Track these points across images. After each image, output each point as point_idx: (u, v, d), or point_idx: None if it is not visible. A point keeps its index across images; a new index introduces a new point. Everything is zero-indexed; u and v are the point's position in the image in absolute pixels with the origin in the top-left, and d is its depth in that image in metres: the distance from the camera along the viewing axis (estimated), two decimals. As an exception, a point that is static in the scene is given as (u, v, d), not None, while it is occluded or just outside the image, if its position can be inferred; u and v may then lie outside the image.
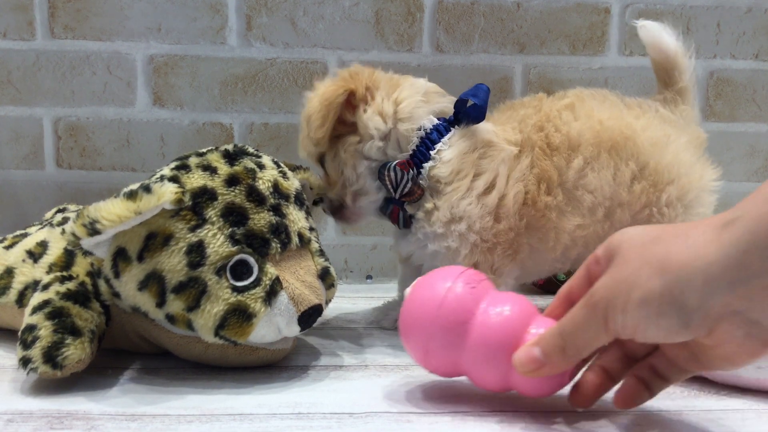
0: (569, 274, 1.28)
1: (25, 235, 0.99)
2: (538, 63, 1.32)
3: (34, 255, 0.93)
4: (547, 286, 1.31)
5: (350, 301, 1.19)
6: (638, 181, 0.97)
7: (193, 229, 0.80)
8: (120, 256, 0.81)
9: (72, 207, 1.14)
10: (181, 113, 1.30)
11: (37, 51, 1.28)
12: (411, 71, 1.28)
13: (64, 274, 0.88)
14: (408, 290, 0.77)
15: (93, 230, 0.76)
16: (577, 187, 0.96)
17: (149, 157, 1.31)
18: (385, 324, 1.05)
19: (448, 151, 0.94)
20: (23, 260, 0.93)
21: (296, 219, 0.87)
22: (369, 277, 1.37)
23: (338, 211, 1.02)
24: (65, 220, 0.98)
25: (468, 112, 0.95)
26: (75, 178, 1.31)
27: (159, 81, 1.29)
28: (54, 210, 1.14)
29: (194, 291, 0.80)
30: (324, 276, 0.90)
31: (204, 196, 0.82)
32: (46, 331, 0.78)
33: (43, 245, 0.93)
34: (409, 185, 0.95)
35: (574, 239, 0.98)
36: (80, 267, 0.89)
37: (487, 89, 0.96)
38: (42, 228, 0.99)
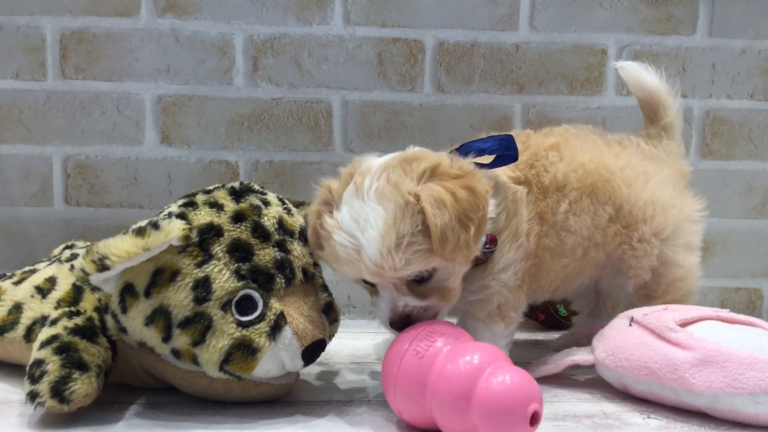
0: (568, 307, 1.29)
1: (33, 271, 1.01)
2: (537, 102, 1.35)
3: (43, 291, 0.94)
4: (549, 321, 1.32)
5: (353, 336, 1.20)
6: (613, 223, 1.01)
7: (199, 265, 0.82)
8: (127, 292, 0.83)
9: (80, 243, 1.16)
10: (188, 151, 1.33)
11: (48, 91, 1.31)
12: (413, 110, 1.33)
13: (72, 309, 0.89)
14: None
15: (102, 266, 0.78)
16: (563, 229, 0.99)
17: (156, 194, 1.33)
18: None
19: (492, 204, 0.90)
20: (32, 296, 0.95)
21: (301, 254, 0.89)
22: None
23: (428, 314, 0.88)
24: (74, 257, 1.00)
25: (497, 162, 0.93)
26: (83, 215, 1.33)
27: (167, 120, 1.32)
28: (62, 246, 1.16)
29: (200, 326, 0.81)
30: (327, 311, 0.91)
31: (210, 233, 0.83)
32: (53, 366, 0.79)
33: (51, 281, 0.95)
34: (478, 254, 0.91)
35: (558, 276, 1.01)
36: (88, 302, 0.91)
37: (505, 138, 0.94)
38: (50, 264, 1.01)
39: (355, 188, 0.84)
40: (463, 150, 0.92)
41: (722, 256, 1.39)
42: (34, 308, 0.93)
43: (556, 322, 1.31)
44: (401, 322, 0.86)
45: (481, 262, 0.93)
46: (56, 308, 0.91)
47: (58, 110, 1.31)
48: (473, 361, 0.74)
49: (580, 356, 0.96)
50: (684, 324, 0.88)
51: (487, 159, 0.93)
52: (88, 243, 1.16)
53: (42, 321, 0.90)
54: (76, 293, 0.92)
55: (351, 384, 0.98)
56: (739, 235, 1.39)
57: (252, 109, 1.33)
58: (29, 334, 0.91)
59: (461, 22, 1.32)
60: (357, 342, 1.18)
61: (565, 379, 1.00)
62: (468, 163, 0.88)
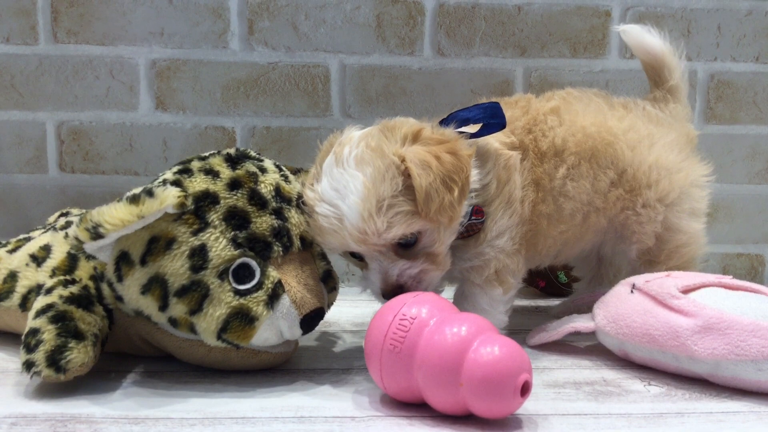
0: (569, 273, 1.29)
1: (28, 239, 0.99)
2: (539, 66, 1.32)
3: (38, 259, 0.93)
4: (549, 288, 1.31)
5: (352, 304, 1.19)
6: (615, 188, 0.99)
7: (195, 233, 0.81)
8: (123, 260, 0.81)
9: (75, 211, 1.15)
10: (184, 117, 1.31)
11: (40, 55, 1.28)
12: (412, 75, 1.31)
13: (68, 277, 0.88)
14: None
15: (96, 234, 0.77)
16: (561, 194, 0.98)
17: (152, 161, 1.31)
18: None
19: (475, 173, 0.90)
20: (27, 264, 0.93)
21: (298, 222, 0.87)
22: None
23: (420, 280, 0.87)
24: (69, 224, 0.99)
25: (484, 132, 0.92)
26: (78, 182, 1.32)
27: (161, 85, 1.30)
28: (57, 214, 1.15)
29: (197, 294, 0.80)
30: (326, 279, 0.90)
31: (206, 200, 0.82)
32: (49, 335, 0.79)
33: (46, 249, 0.94)
34: (465, 224, 0.91)
35: (556, 241, 1.00)
36: (83, 271, 0.90)
37: (490, 105, 0.93)
38: (45, 232, 1.00)
39: (335, 158, 0.84)
40: (449, 120, 0.91)
41: (725, 222, 1.38)
42: (29, 277, 0.92)
43: (557, 288, 1.31)
44: (393, 292, 0.85)
45: (474, 233, 0.92)
46: (51, 277, 0.90)
47: (51, 75, 1.29)
48: (461, 333, 0.72)
49: (580, 323, 0.95)
50: (686, 291, 0.87)
51: (474, 128, 0.91)
52: (84, 210, 1.15)
53: (37, 289, 0.89)
54: (71, 261, 0.91)
55: (350, 352, 0.97)
56: (743, 200, 1.38)
57: (248, 74, 1.30)
58: (25, 303, 0.90)
59: (462, -17, 1.30)
60: (356, 309, 1.17)
61: (565, 346, 0.99)
62: (450, 130, 0.88)
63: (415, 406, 0.77)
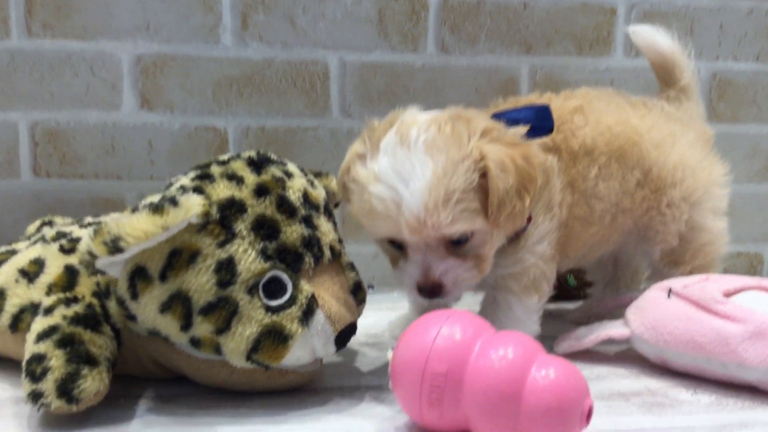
0: (578, 277, 1.26)
1: (13, 252, 0.90)
2: (544, 64, 1.29)
3: (29, 274, 0.84)
4: (559, 292, 1.28)
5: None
6: (641, 188, 0.97)
7: (221, 245, 0.73)
8: (139, 276, 0.73)
9: (59, 220, 1.05)
10: (171, 117, 1.22)
11: (12, 51, 1.18)
12: (415, 72, 1.25)
13: (68, 295, 0.79)
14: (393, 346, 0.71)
15: (115, 248, 0.68)
16: (593, 195, 0.95)
17: (136, 164, 1.21)
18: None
19: None
20: (16, 280, 0.84)
21: (327, 231, 0.81)
22: (371, 286, 1.31)
23: (462, 281, 0.82)
24: (59, 235, 0.89)
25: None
26: (54, 187, 1.22)
27: (147, 82, 1.21)
28: (38, 223, 1.05)
29: (224, 312, 0.73)
30: (356, 291, 0.84)
31: (232, 208, 0.75)
32: (57, 361, 0.70)
33: (38, 263, 0.84)
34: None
35: (585, 244, 0.97)
36: (85, 287, 0.81)
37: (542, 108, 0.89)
38: (33, 244, 0.90)
39: (400, 138, 0.78)
40: (497, 119, 0.86)
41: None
42: (20, 294, 0.83)
43: (565, 292, 1.27)
44: (430, 290, 0.80)
45: (513, 240, 0.88)
46: (48, 294, 0.81)
47: (24, 72, 1.18)
48: (509, 356, 0.65)
49: (615, 330, 0.91)
50: (727, 295, 0.85)
51: (522, 130, 0.87)
52: (67, 219, 1.06)
53: (32, 309, 0.80)
54: (69, 277, 0.82)
55: (375, 366, 0.91)
56: (743, 199, 1.37)
57: (241, 71, 1.22)
58: (16, 323, 0.81)
59: (467, -23, 1.25)
60: (365, 319, 1.10)
61: (593, 353, 0.95)
62: (517, 133, 0.84)
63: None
